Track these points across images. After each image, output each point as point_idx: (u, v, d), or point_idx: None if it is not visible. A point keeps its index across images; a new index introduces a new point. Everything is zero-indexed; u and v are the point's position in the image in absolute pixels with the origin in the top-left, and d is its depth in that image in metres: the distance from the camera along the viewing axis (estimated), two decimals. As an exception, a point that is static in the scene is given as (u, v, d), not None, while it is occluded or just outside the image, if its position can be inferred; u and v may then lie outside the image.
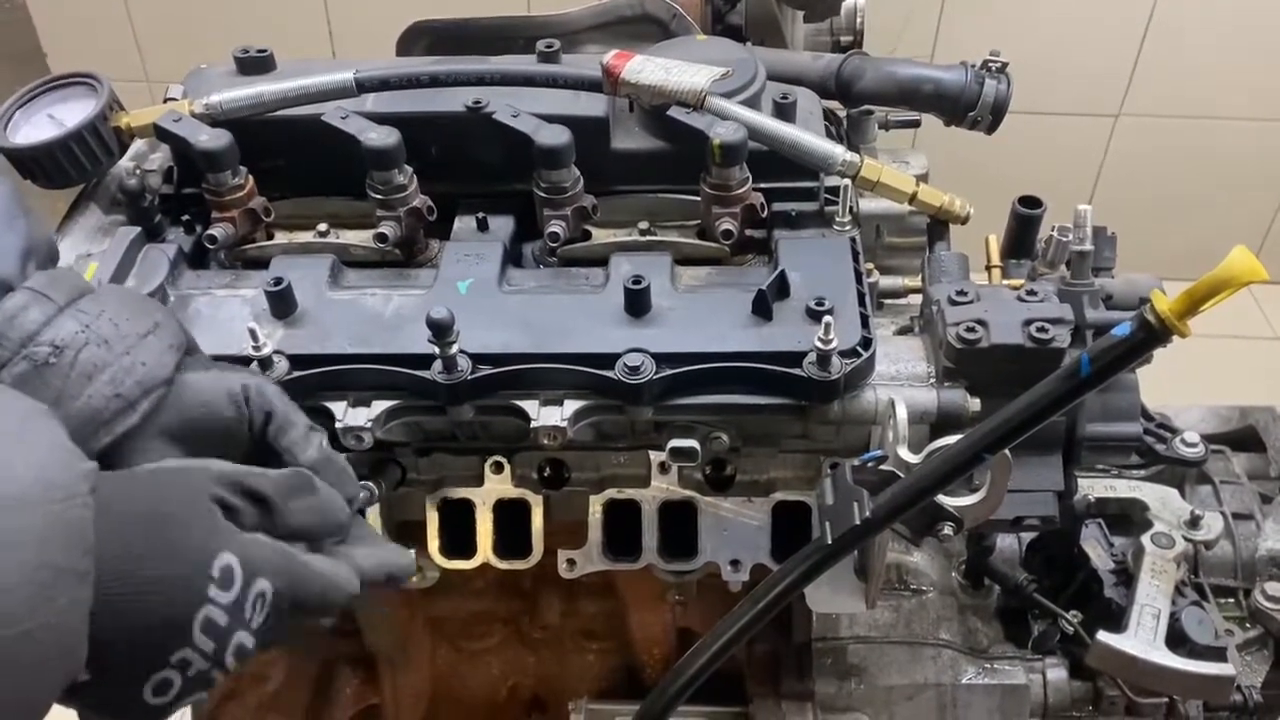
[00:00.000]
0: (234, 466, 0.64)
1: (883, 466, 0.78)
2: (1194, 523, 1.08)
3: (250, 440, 0.71)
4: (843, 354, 0.84)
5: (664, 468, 0.93)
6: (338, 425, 0.85)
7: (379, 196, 0.95)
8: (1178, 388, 1.17)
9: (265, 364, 0.84)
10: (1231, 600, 1.17)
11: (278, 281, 0.89)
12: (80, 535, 0.50)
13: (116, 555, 0.52)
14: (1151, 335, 0.60)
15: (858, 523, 0.74)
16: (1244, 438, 1.34)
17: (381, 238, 0.95)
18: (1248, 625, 1.15)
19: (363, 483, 0.86)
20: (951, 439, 0.75)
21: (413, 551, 0.93)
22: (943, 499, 0.77)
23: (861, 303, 0.90)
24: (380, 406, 0.87)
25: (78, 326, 0.66)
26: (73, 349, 0.65)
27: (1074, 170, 2.91)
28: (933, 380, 0.91)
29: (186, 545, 0.55)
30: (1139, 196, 2.89)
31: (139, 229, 0.97)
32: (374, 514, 0.92)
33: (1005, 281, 1.07)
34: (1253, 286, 0.57)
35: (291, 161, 1.02)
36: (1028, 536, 1.17)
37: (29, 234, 0.69)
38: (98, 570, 0.51)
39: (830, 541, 0.75)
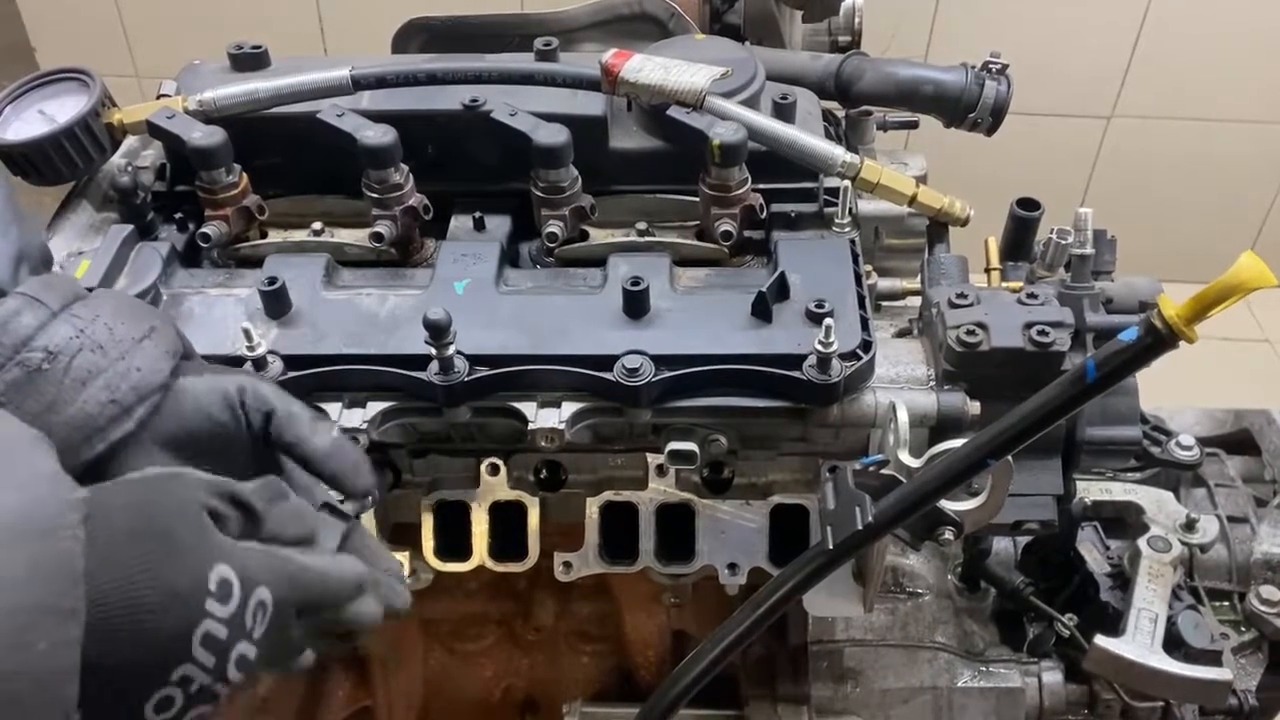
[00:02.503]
0: (215, 476, 0.63)
1: (884, 471, 0.78)
2: (1189, 526, 1.08)
3: (250, 443, 0.70)
4: (843, 357, 0.84)
5: (661, 470, 0.92)
6: (333, 426, 0.85)
7: (375, 195, 0.95)
8: (1170, 390, 1.16)
9: (259, 364, 0.84)
10: (1226, 603, 1.17)
11: (272, 281, 0.88)
12: (67, 570, 0.49)
13: (109, 578, 0.51)
14: (1158, 341, 0.60)
15: (860, 528, 0.73)
16: (1238, 441, 1.34)
17: (377, 237, 0.94)
18: (1243, 629, 1.14)
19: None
20: (953, 443, 0.75)
21: (403, 562, 0.93)
22: (944, 503, 0.77)
23: (861, 305, 0.89)
24: (376, 408, 0.86)
25: (72, 332, 0.65)
26: (67, 354, 0.64)
27: (1067, 172, 2.91)
28: (932, 383, 0.90)
29: (181, 561, 0.53)
30: (1132, 198, 2.89)
31: (131, 227, 0.96)
32: (368, 518, 0.91)
33: (1004, 284, 1.07)
34: (1245, 289, 0.56)
35: (286, 159, 1.01)
36: (1024, 539, 1.17)
37: (22, 238, 0.68)
38: (90, 596, 0.49)
39: (832, 546, 0.75)
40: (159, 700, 0.53)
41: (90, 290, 0.70)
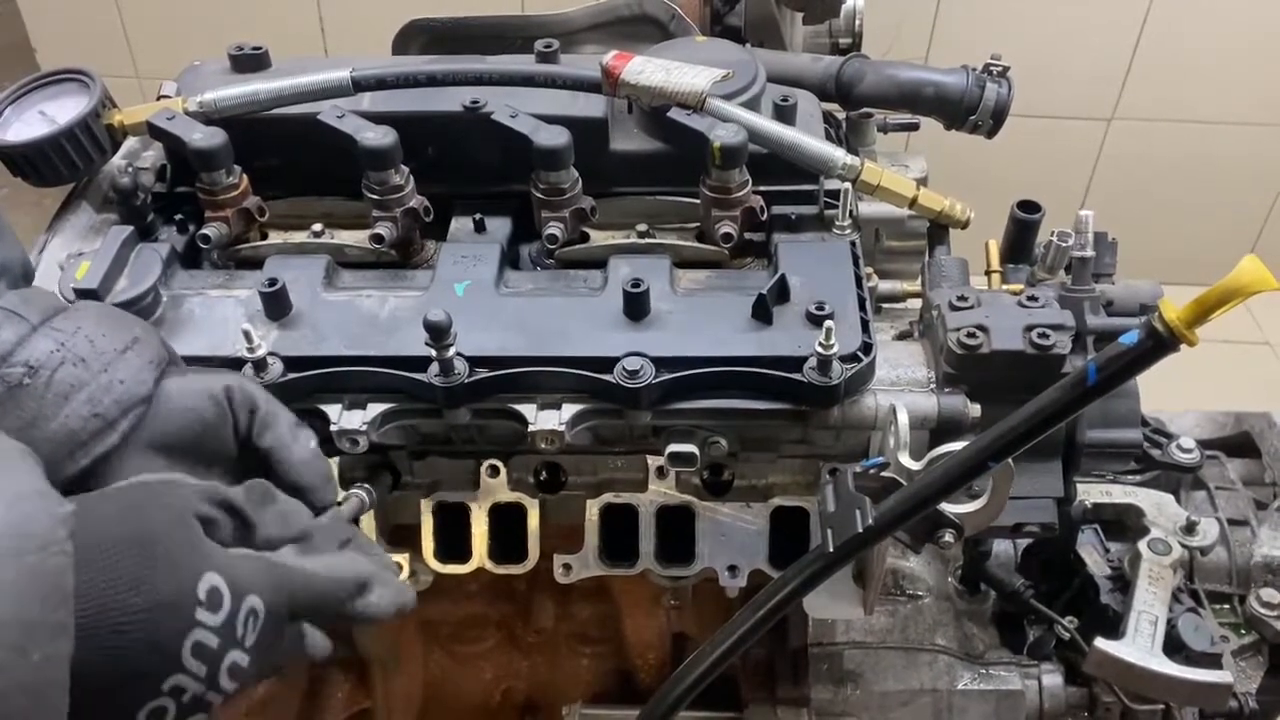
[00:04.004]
0: (206, 482, 0.62)
1: (884, 473, 0.78)
2: (1190, 529, 1.08)
3: (236, 442, 0.70)
4: (843, 359, 0.84)
5: (662, 472, 0.92)
6: (333, 428, 0.85)
7: (375, 197, 0.94)
8: (1170, 393, 1.16)
9: (259, 366, 0.83)
10: (1226, 606, 1.17)
11: (272, 282, 0.88)
12: (57, 586, 0.49)
13: (98, 589, 0.50)
14: (1160, 344, 0.60)
15: (860, 530, 0.73)
16: (1239, 443, 1.34)
17: (377, 238, 0.94)
18: (1243, 631, 1.14)
19: (359, 485, 0.85)
20: (953, 446, 0.74)
21: (402, 564, 0.93)
22: (944, 506, 0.77)
23: (862, 307, 0.89)
24: (376, 409, 0.86)
25: (52, 345, 0.65)
26: (48, 369, 0.64)
27: (1067, 174, 2.91)
28: (933, 386, 0.90)
29: (170, 570, 0.53)
30: (1132, 200, 2.89)
31: (131, 228, 0.96)
32: (368, 519, 0.91)
33: (1005, 287, 1.06)
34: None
35: (286, 161, 1.01)
36: (1024, 542, 1.16)
37: (1, 252, 0.68)
38: (79, 607, 0.49)
39: (832, 549, 0.74)
40: (151, 711, 0.52)
41: (73, 301, 0.70)
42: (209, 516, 0.58)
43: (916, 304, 1.08)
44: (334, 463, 0.88)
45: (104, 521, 0.53)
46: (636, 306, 0.88)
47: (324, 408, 0.86)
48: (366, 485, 0.86)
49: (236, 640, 0.55)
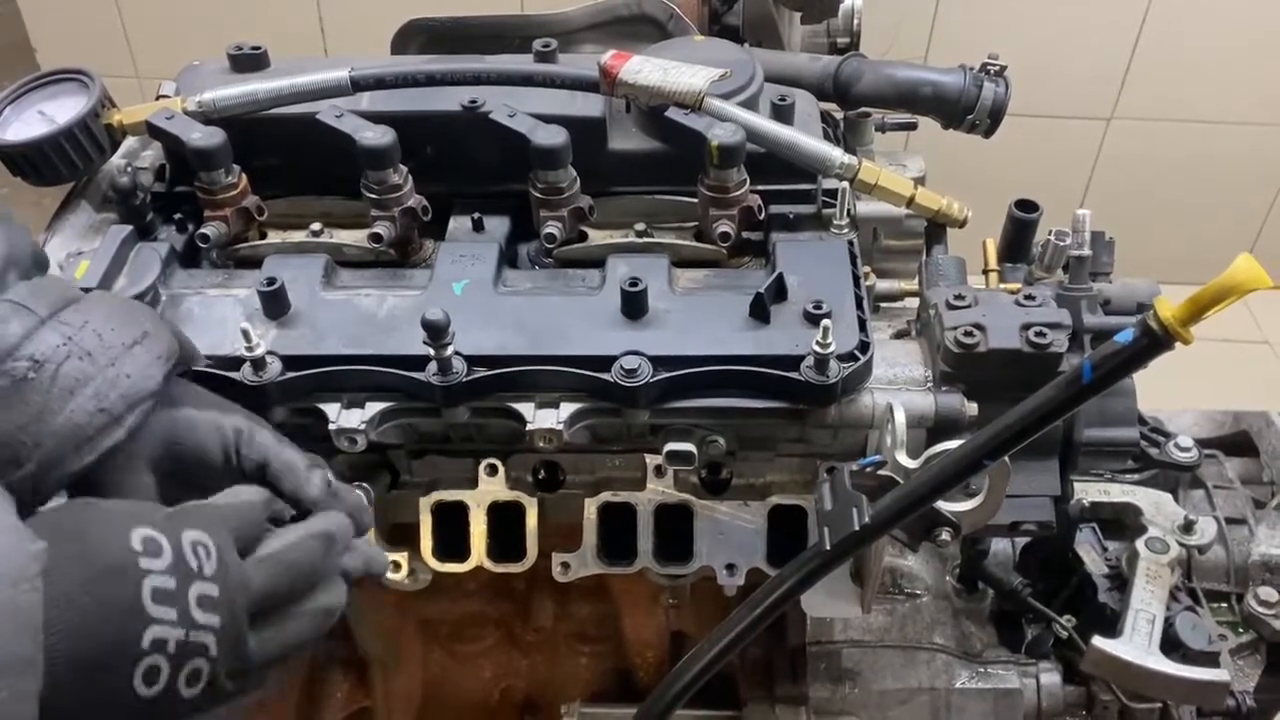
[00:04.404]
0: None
1: (881, 472, 0.78)
2: (1188, 527, 1.08)
3: (237, 476, 0.71)
4: (840, 358, 0.84)
5: (660, 471, 0.92)
6: (331, 427, 0.85)
7: (374, 196, 0.95)
8: (1169, 392, 1.17)
9: (258, 365, 0.84)
10: (1224, 605, 1.17)
11: (271, 281, 0.88)
12: (27, 622, 0.49)
13: (50, 599, 0.51)
14: (1155, 342, 0.60)
15: (857, 528, 0.73)
16: (1237, 442, 1.34)
17: (376, 238, 0.94)
18: (1240, 630, 1.15)
19: (359, 484, 0.86)
20: (950, 444, 0.75)
21: (401, 562, 0.93)
22: (941, 504, 0.77)
23: (859, 306, 0.89)
24: (374, 408, 0.86)
25: (59, 339, 0.64)
26: (53, 363, 0.63)
27: (1066, 173, 2.91)
28: (930, 384, 0.90)
29: (98, 540, 0.54)
30: (1131, 200, 2.89)
31: (130, 227, 0.96)
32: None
33: (1002, 286, 1.07)
34: (1244, 290, 0.56)
35: (285, 160, 1.01)
36: (1022, 540, 1.17)
37: (10, 243, 0.67)
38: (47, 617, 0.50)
39: (829, 547, 0.75)
40: (145, 672, 0.53)
41: (86, 292, 0.70)
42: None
43: (914, 303, 1.08)
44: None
45: (60, 550, 0.53)
46: (634, 305, 0.88)
47: (322, 406, 0.86)
48: (364, 484, 0.86)
49: (194, 572, 0.55)
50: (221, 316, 0.90)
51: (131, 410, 0.65)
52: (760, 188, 0.97)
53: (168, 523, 0.57)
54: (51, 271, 0.87)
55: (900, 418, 0.80)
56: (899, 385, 0.90)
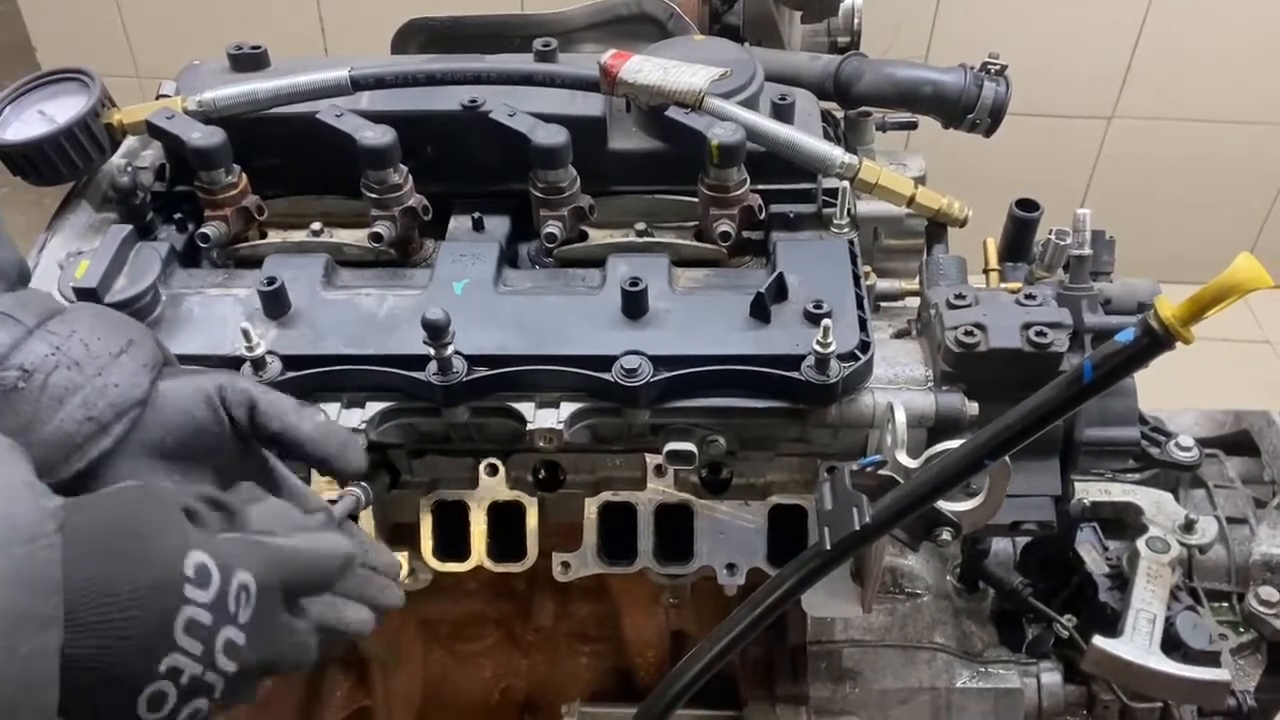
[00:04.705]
0: (192, 485, 0.63)
1: (882, 471, 0.78)
2: (1188, 527, 1.08)
3: (236, 445, 0.70)
4: (841, 357, 0.84)
5: (660, 470, 0.92)
6: (331, 427, 0.85)
7: (374, 196, 0.95)
8: (1169, 391, 1.16)
9: (258, 364, 0.84)
10: (1225, 604, 1.17)
11: (271, 281, 0.88)
12: (46, 578, 0.49)
13: (87, 579, 0.51)
14: (1155, 342, 0.60)
15: (857, 528, 0.73)
16: (1238, 442, 1.34)
17: (376, 237, 0.94)
18: (1241, 630, 1.14)
19: (356, 484, 0.85)
20: (950, 444, 0.75)
21: (401, 562, 0.93)
22: (941, 504, 0.77)
23: (859, 306, 0.89)
24: (374, 408, 0.86)
25: (47, 349, 0.65)
26: (42, 372, 0.64)
27: (1067, 172, 2.91)
28: (930, 384, 0.90)
29: (158, 550, 0.53)
30: (1131, 199, 2.89)
31: (130, 227, 0.96)
32: (366, 517, 0.91)
33: (1003, 285, 1.06)
34: (1245, 290, 0.56)
35: (285, 160, 1.01)
36: (1023, 540, 1.16)
37: None
38: (69, 600, 0.50)
39: (829, 547, 0.75)
40: (150, 696, 0.52)
41: (73, 301, 0.70)
42: (194, 509, 0.59)
43: (914, 302, 1.08)
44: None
45: (92, 518, 0.53)
46: (635, 305, 0.88)
47: (323, 406, 0.86)
48: (363, 484, 0.86)
49: (230, 616, 0.55)
50: (221, 316, 0.90)
51: (119, 418, 0.66)
52: (760, 187, 0.97)
53: (226, 554, 0.57)
54: (52, 271, 0.87)
55: (901, 417, 0.80)
56: (899, 385, 0.90)
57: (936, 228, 1.07)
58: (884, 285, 1.13)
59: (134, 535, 0.54)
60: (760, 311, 0.88)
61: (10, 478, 0.51)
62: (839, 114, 1.22)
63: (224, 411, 0.70)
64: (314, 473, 0.90)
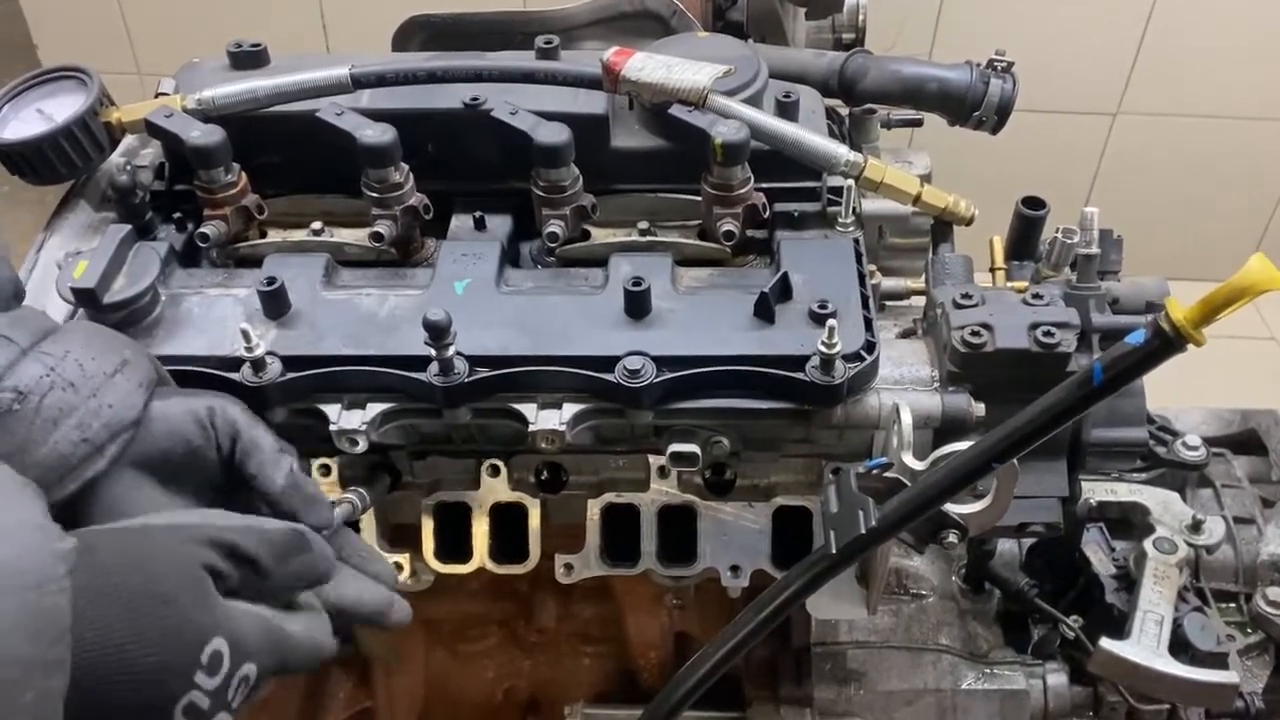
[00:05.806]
0: (227, 521, 0.62)
1: (888, 474, 0.77)
2: (1196, 527, 1.07)
3: (220, 464, 0.70)
4: (846, 358, 0.83)
5: (663, 471, 0.91)
6: (332, 428, 0.84)
7: (374, 194, 0.94)
8: (1176, 390, 1.16)
9: (258, 365, 0.83)
10: (1232, 605, 1.17)
11: (271, 281, 0.87)
12: (53, 623, 0.48)
13: (101, 633, 0.50)
14: (1166, 344, 0.59)
15: (863, 531, 0.72)
16: (1245, 441, 1.33)
17: (377, 236, 0.94)
18: (1249, 630, 1.14)
19: (353, 489, 0.85)
20: (957, 446, 0.74)
21: (403, 564, 0.92)
22: (948, 506, 0.76)
23: (865, 305, 0.88)
24: (375, 409, 0.85)
25: (42, 370, 0.64)
26: (37, 394, 0.64)
27: (1073, 170, 2.90)
28: (936, 384, 0.90)
29: (180, 633, 0.54)
30: (1137, 195, 2.88)
31: (129, 226, 0.95)
32: (368, 519, 0.91)
33: (1009, 284, 1.06)
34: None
35: (285, 158, 1.00)
36: (1028, 541, 1.16)
37: None
38: (79, 650, 0.49)
39: (835, 550, 0.74)
40: None
41: (71, 301, 0.70)
42: (217, 569, 0.58)
43: (920, 302, 1.07)
44: (331, 466, 0.87)
45: (116, 569, 0.53)
46: (638, 305, 0.87)
47: (323, 407, 0.85)
48: (360, 489, 0.85)
49: (226, 703, 0.56)
50: (221, 316, 0.89)
51: (114, 439, 0.66)
52: (765, 185, 0.96)
53: (242, 644, 0.57)
54: (50, 271, 0.86)
55: (907, 418, 0.79)
56: (905, 385, 0.90)
57: (942, 226, 1.06)
58: (889, 284, 1.12)
59: (161, 608, 0.53)
60: (764, 311, 0.87)
61: (20, 519, 0.51)
62: (844, 111, 1.21)
63: (213, 433, 0.70)
64: (314, 473, 0.90)
